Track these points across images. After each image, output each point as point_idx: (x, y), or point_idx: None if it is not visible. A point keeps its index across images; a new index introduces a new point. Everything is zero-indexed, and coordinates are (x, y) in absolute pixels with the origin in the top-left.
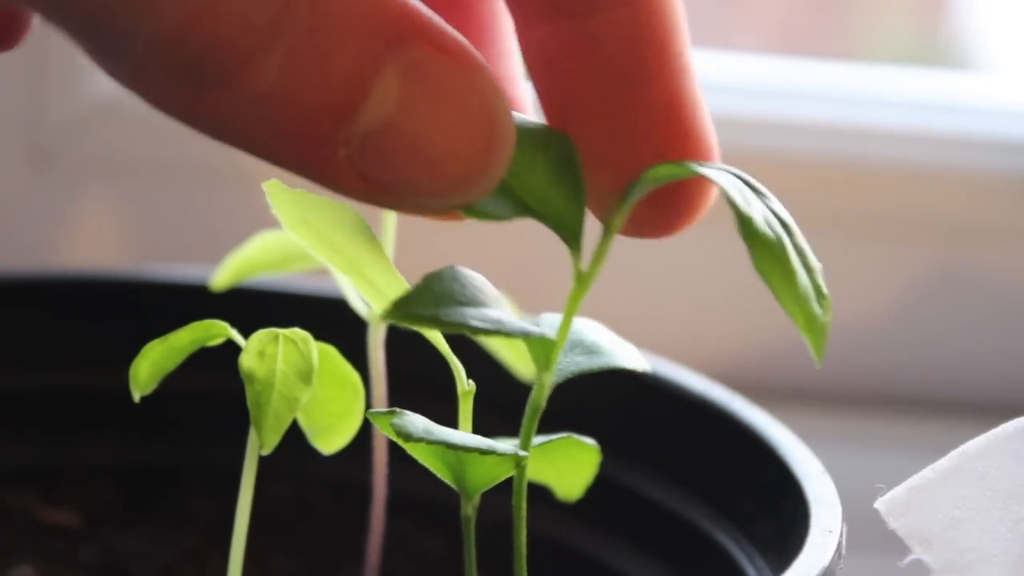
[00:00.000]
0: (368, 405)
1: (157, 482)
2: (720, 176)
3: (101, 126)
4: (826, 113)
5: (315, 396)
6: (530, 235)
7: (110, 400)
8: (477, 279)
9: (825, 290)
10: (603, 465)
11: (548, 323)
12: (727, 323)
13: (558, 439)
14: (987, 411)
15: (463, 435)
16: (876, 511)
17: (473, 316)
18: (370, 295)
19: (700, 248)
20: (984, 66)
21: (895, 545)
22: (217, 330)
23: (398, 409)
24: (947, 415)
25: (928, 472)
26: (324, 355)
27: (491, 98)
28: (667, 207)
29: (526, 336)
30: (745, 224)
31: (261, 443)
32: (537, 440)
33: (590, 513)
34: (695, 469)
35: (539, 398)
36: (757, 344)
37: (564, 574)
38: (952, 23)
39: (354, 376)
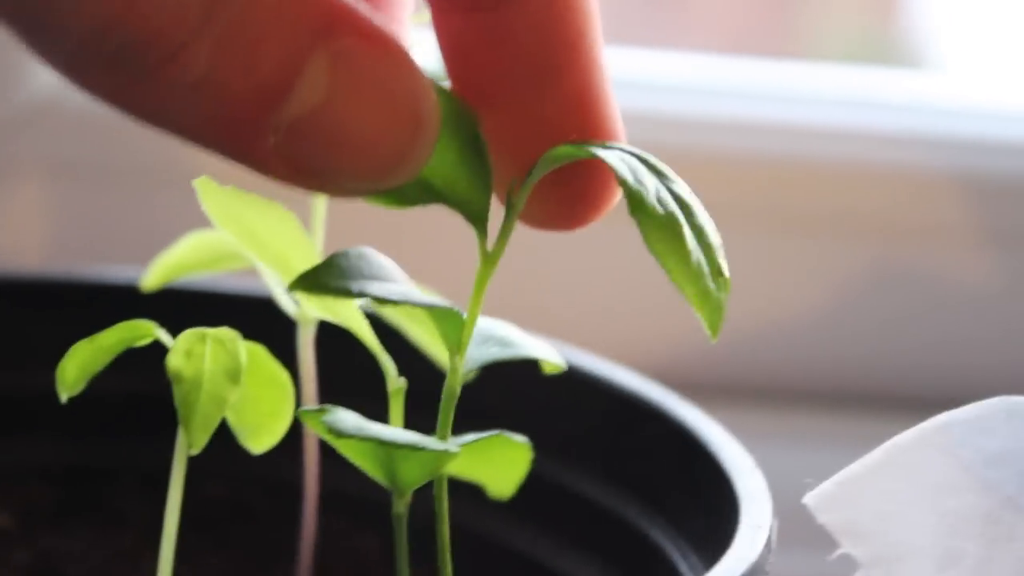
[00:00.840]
0: (298, 405)
1: (92, 483)
2: (612, 155)
3: (34, 127)
4: (773, 112)
5: (244, 395)
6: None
7: (41, 402)
8: (384, 259)
9: (724, 268)
10: (535, 462)
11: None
12: (659, 320)
13: (488, 437)
14: (920, 406)
15: (394, 431)
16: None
17: (380, 288)
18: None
19: (629, 245)
20: (934, 65)
21: (825, 540)
22: (144, 330)
23: (328, 406)
24: (881, 411)
25: (856, 466)
26: (252, 354)
27: (417, 87)
28: (573, 198)
29: (432, 308)
30: (633, 200)
31: (190, 443)
32: (467, 438)
33: (522, 510)
34: (627, 466)
35: (453, 384)
36: (690, 341)
37: (496, 571)
38: (902, 22)
39: (283, 375)
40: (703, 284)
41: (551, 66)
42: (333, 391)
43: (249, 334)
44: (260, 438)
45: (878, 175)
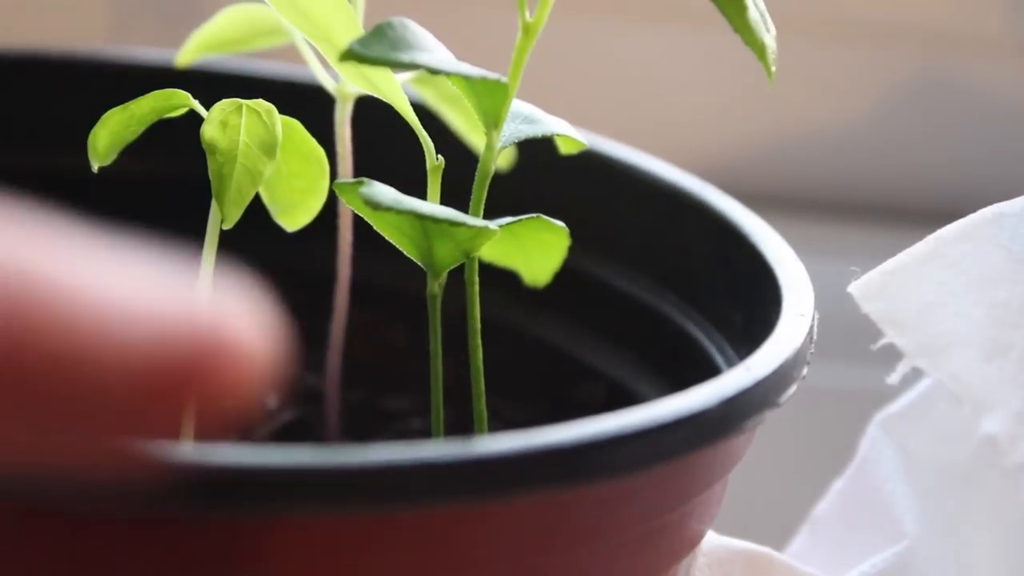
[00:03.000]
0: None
1: None
2: None
3: None
4: None
5: (279, 171)
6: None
7: (69, 182)
8: (425, 32)
9: (769, 21)
10: (571, 255)
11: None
12: (701, 127)
13: (526, 219)
14: (958, 218)
15: (432, 206)
16: (849, 319)
17: (430, 58)
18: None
19: (682, 51)
20: None
21: (863, 351)
22: (178, 99)
23: (365, 179)
24: (920, 222)
25: (903, 256)
26: (289, 129)
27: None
28: None
29: (480, 79)
30: None
31: (223, 216)
32: (504, 220)
33: (556, 304)
34: (665, 258)
35: (488, 161)
36: (731, 150)
37: (528, 364)
38: None
39: (319, 151)
40: (762, 36)
41: None
42: (368, 171)
43: (285, 111)
44: (294, 215)
45: None
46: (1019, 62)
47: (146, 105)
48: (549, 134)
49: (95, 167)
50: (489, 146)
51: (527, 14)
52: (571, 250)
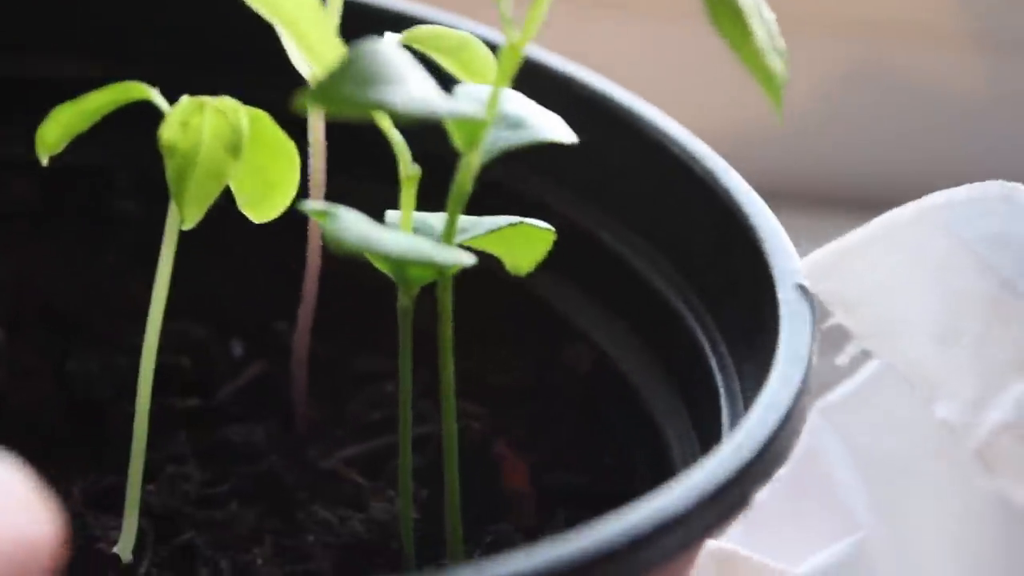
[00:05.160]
0: (305, 175)
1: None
2: None
3: None
4: None
5: (247, 163)
6: None
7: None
8: (399, 54)
9: (782, 43)
10: (571, 209)
11: (472, 95)
12: None
13: (508, 227)
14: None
15: (401, 241)
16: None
17: (400, 96)
18: (307, 55)
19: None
20: None
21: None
22: (136, 92)
23: (331, 208)
24: (866, 210)
25: (853, 237)
26: (256, 121)
27: None
28: None
29: (454, 116)
30: None
31: (183, 217)
32: (487, 223)
33: (551, 258)
34: (668, 231)
35: (464, 181)
36: None
37: (516, 319)
38: None
39: (288, 144)
40: (769, 61)
41: None
42: (346, 160)
43: (257, 95)
44: (262, 208)
45: None
46: (959, 52)
47: (101, 99)
48: (533, 141)
49: (44, 160)
50: (465, 166)
51: (513, 32)
52: (571, 204)
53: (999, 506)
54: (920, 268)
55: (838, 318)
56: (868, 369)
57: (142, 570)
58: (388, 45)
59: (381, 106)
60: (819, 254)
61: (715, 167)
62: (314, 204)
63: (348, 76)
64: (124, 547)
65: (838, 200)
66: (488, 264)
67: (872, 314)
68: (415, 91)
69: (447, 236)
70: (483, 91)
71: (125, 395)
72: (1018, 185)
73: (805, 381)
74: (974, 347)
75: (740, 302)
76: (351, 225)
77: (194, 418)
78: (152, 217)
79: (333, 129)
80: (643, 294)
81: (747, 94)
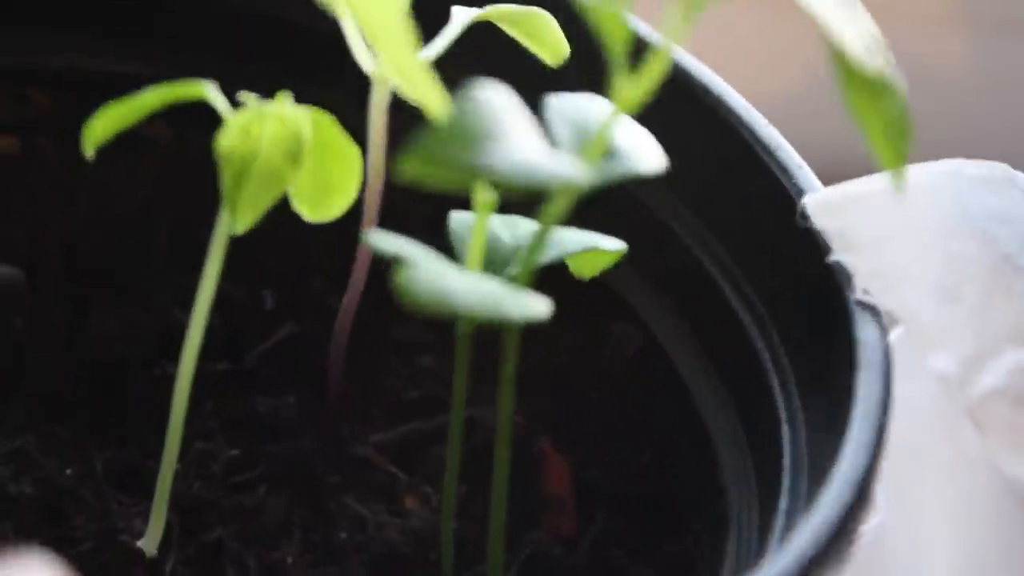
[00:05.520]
0: (365, 173)
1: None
2: None
3: None
4: None
5: (305, 165)
6: None
7: None
8: (510, 101)
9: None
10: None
11: (577, 131)
12: None
13: (582, 252)
14: None
15: (474, 293)
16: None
17: (501, 161)
18: (376, 41)
19: None
20: None
21: None
22: (193, 92)
23: (399, 251)
24: None
25: (864, 182)
26: (318, 124)
27: None
28: None
29: (557, 182)
30: (841, 57)
31: (235, 222)
32: (563, 246)
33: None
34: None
35: (550, 220)
36: None
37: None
38: None
39: (350, 148)
40: (903, 146)
41: None
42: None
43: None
44: (319, 209)
45: None
46: (950, 33)
47: (153, 99)
48: (625, 178)
49: (89, 153)
50: (555, 206)
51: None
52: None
53: (1001, 482)
54: (924, 227)
55: (837, 254)
56: None
57: (167, 568)
58: (495, 91)
59: (483, 173)
60: (829, 191)
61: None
62: (380, 240)
63: (448, 137)
64: (150, 542)
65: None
66: None
67: (875, 259)
68: (518, 152)
69: (524, 272)
70: (583, 117)
71: (150, 356)
72: (1021, 174)
73: (880, 449)
74: (973, 309)
75: (811, 324)
76: (423, 277)
77: (222, 383)
78: (185, 145)
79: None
80: (709, 297)
81: (746, 77)
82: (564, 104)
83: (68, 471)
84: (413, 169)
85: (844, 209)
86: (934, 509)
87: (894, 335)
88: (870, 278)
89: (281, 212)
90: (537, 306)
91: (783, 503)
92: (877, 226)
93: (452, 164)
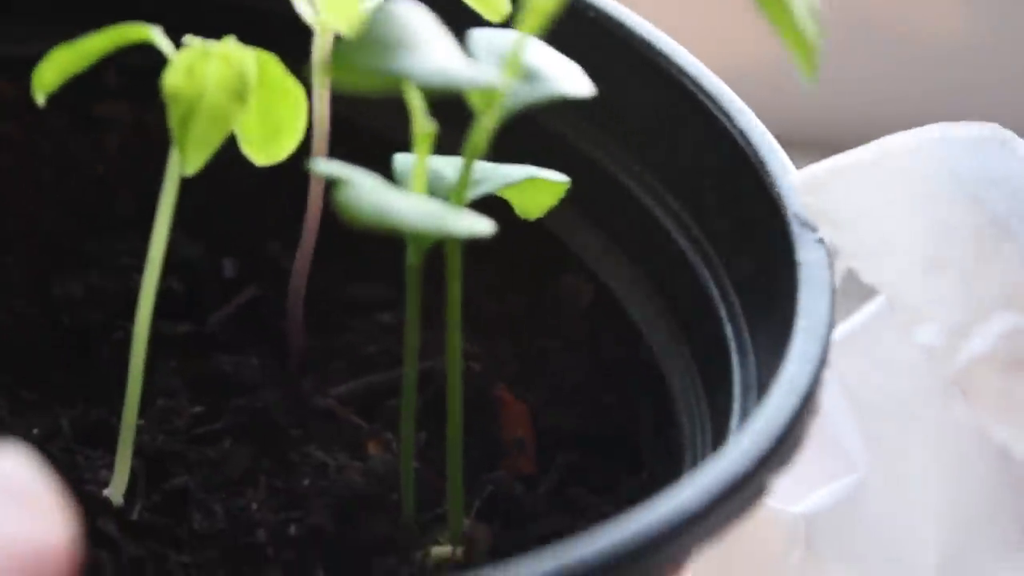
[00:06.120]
0: (310, 119)
1: None
2: None
3: None
4: None
5: (253, 106)
6: None
7: None
8: (425, 17)
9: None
10: (582, 137)
11: (492, 47)
12: None
13: (522, 180)
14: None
15: (417, 210)
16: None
17: (419, 66)
18: None
19: None
20: None
21: None
22: (138, 34)
23: (343, 174)
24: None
25: (848, 156)
26: (263, 65)
27: None
28: None
29: (474, 86)
30: None
31: (184, 162)
32: (501, 175)
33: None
34: (678, 169)
35: (479, 141)
36: None
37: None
38: None
39: (296, 88)
40: (804, 31)
41: None
42: (349, 101)
43: (263, 39)
44: (267, 151)
45: None
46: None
47: (100, 42)
48: (549, 98)
49: (40, 99)
50: (480, 127)
51: None
52: (582, 131)
53: (985, 444)
54: (911, 195)
55: (823, 233)
56: (865, 311)
57: (134, 514)
58: (410, 7)
59: (400, 76)
60: (812, 169)
61: (732, 108)
62: (326, 166)
63: (373, 40)
64: (116, 490)
65: (812, 144)
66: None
67: (860, 234)
68: (435, 58)
69: (459, 194)
70: (502, 41)
71: (114, 319)
72: (1011, 133)
73: (824, 360)
74: (960, 277)
75: (754, 255)
76: (365, 194)
77: (185, 345)
78: (141, 123)
79: None
80: (651, 232)
81: (725, 41)
82: (485, 32)
83: (35, 431)
84: (336, 76)
85: (829, 185)
86: (923, 475)
87: (875, 305)
88: (855, 256)
89: (239, 178)
90: (479, 223)
91: (733, 424)
92: (863, 199)
93: (369, 70)
